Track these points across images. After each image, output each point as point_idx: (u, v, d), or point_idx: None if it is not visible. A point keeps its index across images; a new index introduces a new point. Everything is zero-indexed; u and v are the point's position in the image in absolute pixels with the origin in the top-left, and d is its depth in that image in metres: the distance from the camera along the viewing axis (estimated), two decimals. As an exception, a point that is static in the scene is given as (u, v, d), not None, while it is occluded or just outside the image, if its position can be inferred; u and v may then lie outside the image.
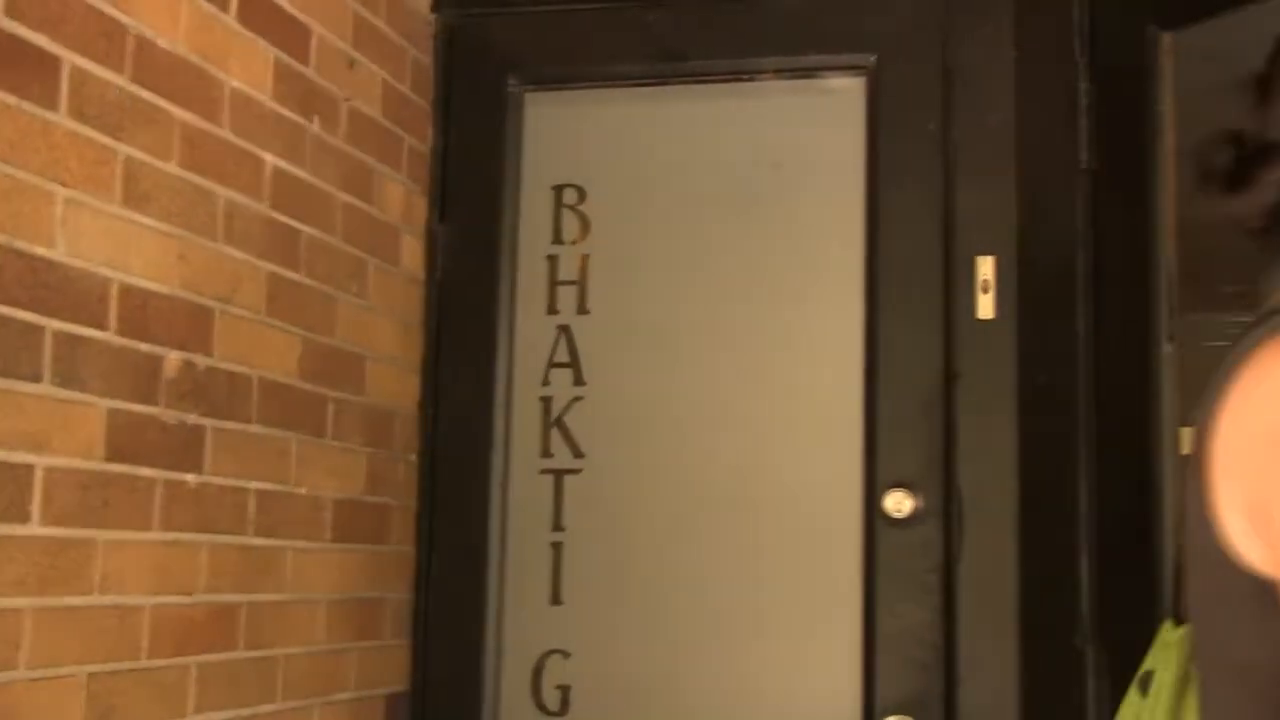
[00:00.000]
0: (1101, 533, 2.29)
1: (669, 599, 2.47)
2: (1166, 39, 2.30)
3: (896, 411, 2.39)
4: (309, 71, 2.22)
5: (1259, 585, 1.03)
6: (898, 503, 2.34)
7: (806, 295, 2.52)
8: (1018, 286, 2.37)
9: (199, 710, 1.90)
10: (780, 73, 2.58)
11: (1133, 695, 1.29)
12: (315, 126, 2.23)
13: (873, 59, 2.51)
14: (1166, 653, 1.26)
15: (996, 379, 2.36)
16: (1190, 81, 2.33)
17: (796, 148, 2.57)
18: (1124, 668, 2.29)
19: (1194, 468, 1.08)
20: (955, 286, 2.40)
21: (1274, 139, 1.17)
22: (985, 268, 2.39)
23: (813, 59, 2.57)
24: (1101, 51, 2.41)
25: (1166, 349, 2.28)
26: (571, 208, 2.62)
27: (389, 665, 2.44)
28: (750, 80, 2.60)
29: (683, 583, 2.47)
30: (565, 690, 2.47)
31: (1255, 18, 2.20)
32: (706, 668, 2.44)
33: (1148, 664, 1.29)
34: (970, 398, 2.37)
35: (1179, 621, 1.24)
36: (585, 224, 2.61)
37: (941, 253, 2.41)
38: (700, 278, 2.56)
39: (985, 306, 2.38)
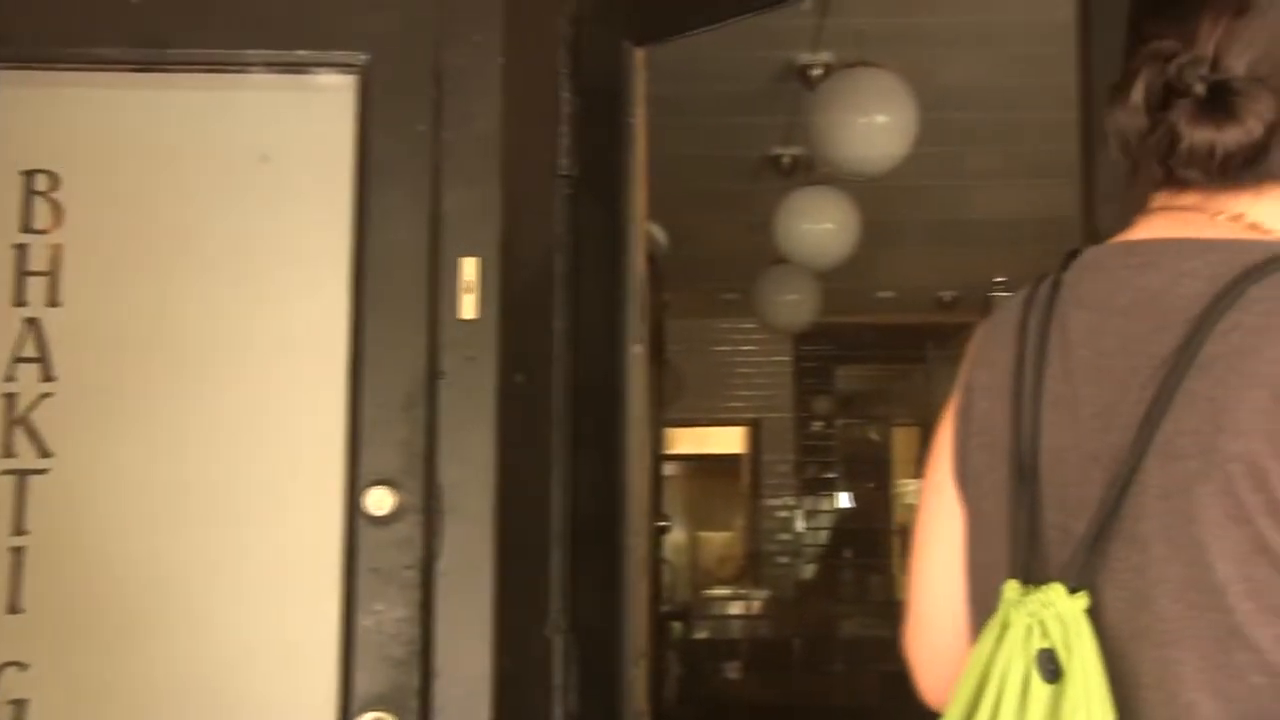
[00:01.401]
0: (572, 528, 2.38)
1: (142, 604, 2.38)
2: (639, 54, 2.42)
3: (380, 410, 2.40)
4: None
5: None
6: (379, 501, 2.35)
7: (293, 292, 2.49)
8: (500, 288, 2.42)
9: None
10: (270, 66, 2.54)
11: (1033, 682, 1.09)
12: None
13: (364, 58, 2.51)
14: (1068, 629, 1.09)
15: (478, 378, 2.40)
16: (663, 94, 2.48)
17: (286, 143, 2.54)
18: (589, 655, 2.40)
19: (1275, 420, 1.05)
20: (440, 287, 2.43)
21: (1249, 73, 1.17)
22: (469, 269, 2.43)
23: (304, 55, 2.54)
24: (583, 63, 2.51)
25: (635, 351, 2.40)
26: (44, 195, 2.48)
27: None
28: (239, 72, 2.54)
29: (157, 586, 2.39)
30: (21, 704, 2.33)
31: (721, 36, 2.37)
32: (180, 673, 2.37)
33: (1035, 642, 1.10)
34: (452, 396, 2.40)
35: (1073, 589, 1.11)
36: (59, 212, 2.48)
37: (427, 253, 2.44)
38: (184, 272, 2.48)
39: (468, 307, 2.42)
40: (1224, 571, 1.06)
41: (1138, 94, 1.20)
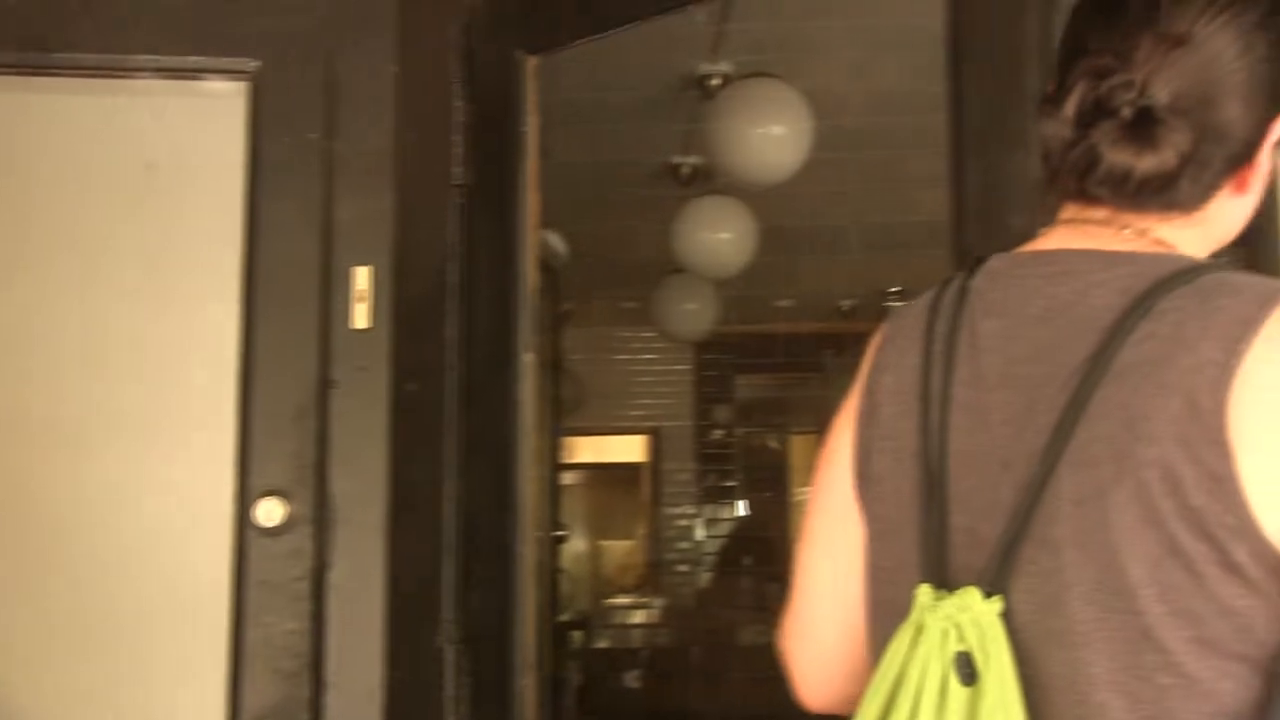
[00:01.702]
0: (464, 537, 2.37)
1: (29, 614, 2.34)
2: (531, 62, 2.42)
3: (271, 419, 2.38)
4: None
5: (1255, 559, 1.05)
6: (269, 511, 2.33)
7: (182, 300, 2.46)
8: (392, 297, 2.41)
9: None
10: (158, 71, 2.51)
11: (951, 685, 1.10)
12: None
13: (255, 64, 2.49)
14: (984, 632, 1.10)
15: (370, 387, 2.39)
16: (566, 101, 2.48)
17: (175, 149, 2.51)
18: (481, 666, 2.40)
19: (1189, 427, 1.07)
20: (332, 296, 2.41)
21: (1172, 103, 1.19)
22: (362, 278, 2.41)
23: (193, 60, 2.51)
24: (476, 72, 2.50)
25: (526, 359, 2.40)
26: (-79, 200, 2.43)
27: None
28: (125, 77, 2.51)
29: (43, 595, 2.35)
30: (-100, 721, 2.28)
31: (611, 45, 2.38)
32: (68, 685, 2.33)
33: (952, 645, 1.11)
34: (344, 406, 2.39)
35: (991, 591, 1.12)
36: (-61, 218, 2.43)
37: (320, 262, 2.42)
38: (68, 279, 2.45)
39: (361, 316, 2.40)
40: (1136, 574, 1.08)
41: (1070, 107, 1.22)
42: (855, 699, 1.26)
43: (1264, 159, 1.26)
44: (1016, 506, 1.14)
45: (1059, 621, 1.11)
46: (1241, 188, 1.27)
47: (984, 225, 1.76)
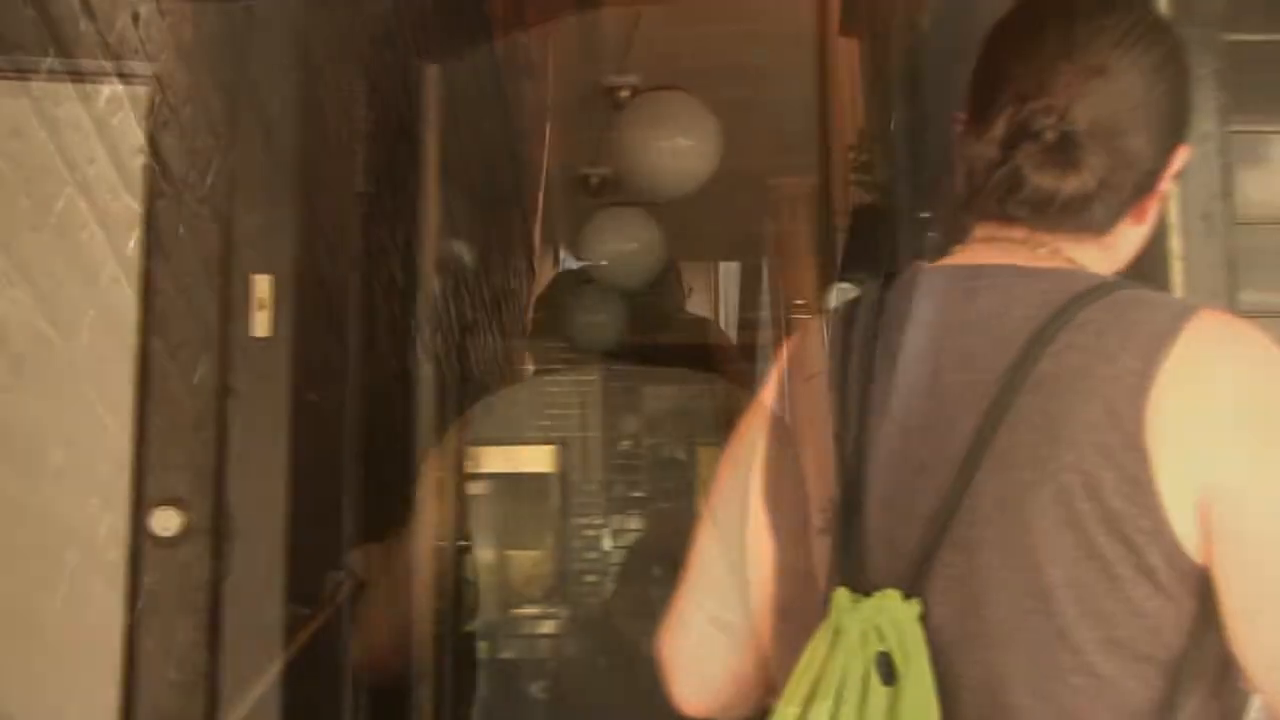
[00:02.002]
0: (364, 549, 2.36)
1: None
2: (432, 71, 2.43)
3: (168, 428, 2.35)
4: None
5: (1167, 562, 1.09)
6: (165, 521, 2.30)
7: (78, 308, 2.42)
8: (293, 305, 2.39)
9: None
10: (55, 75, 2.47)
11: (872, 684, 1.12)
12: None
13: (155, 69, 2.46)
14: (903, 634, 1.12)
15: (270, 396, 2.37)
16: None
17: (71, 155, 2.47)
18: (380, 677, 2.38)
19: (1108, 434, 1.10)
20: (232, 303, 2.39)
21: (1090, 129, 1.24)
22: (262, 286, 2.39)
23: (92, 64, 2.47)
24: (379, 81, 2.50)
25: (425, 369, 2.40)
26: None
27: None
28: (20, 79, 2.47)
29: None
30: None
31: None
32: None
33: (873, 646, 1.13)
34: (244, 415, 2.36)
35: (908, 594, 1.14)
36: None
37: (220, 269, 2.40)
38: (-39, 285, 2.40)
39: (261, 324, 2.38)
40: (1052, 576, 1.11)
41: (999, 129, 1.26)
42: (733, 706, 1.28)
43: (1163, 189, 1.31)
44: (936, 511, 1.17)
45: (976, 623, 1.14)
46: (1141, 217, 1.32)
47: (851, 238, 1.79)
